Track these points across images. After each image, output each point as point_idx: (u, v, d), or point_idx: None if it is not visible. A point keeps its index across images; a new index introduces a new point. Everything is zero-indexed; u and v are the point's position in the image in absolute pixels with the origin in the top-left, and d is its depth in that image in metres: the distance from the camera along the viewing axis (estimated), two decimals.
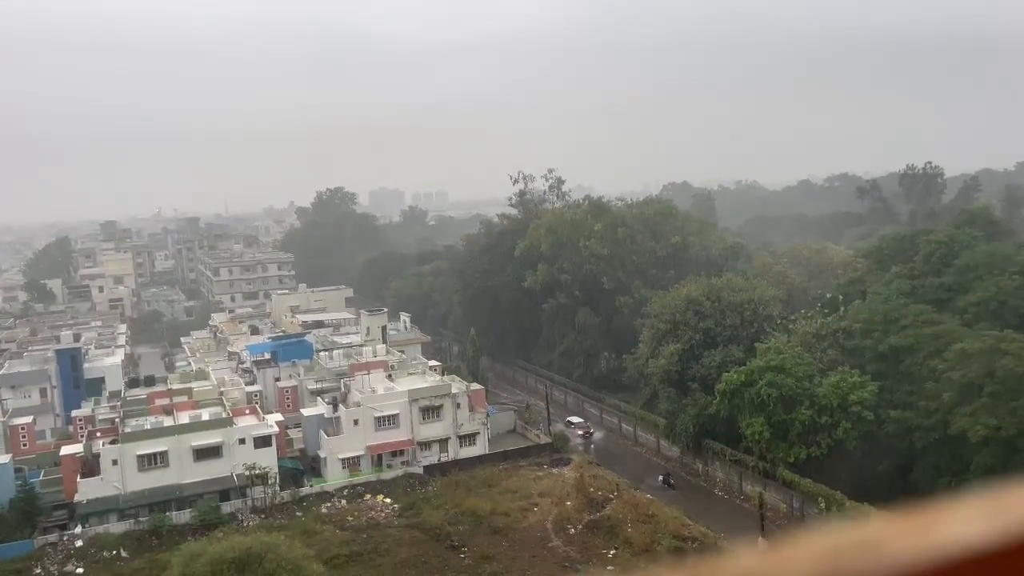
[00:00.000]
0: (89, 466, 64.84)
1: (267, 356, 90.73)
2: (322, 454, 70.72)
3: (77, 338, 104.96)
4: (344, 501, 65.48)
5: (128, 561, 56.96)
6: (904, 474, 58.40)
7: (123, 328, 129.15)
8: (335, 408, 73.10)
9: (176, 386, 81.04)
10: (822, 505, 56.85)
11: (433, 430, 73.11)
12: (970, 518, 1.36)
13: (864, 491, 56.22)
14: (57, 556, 57.52)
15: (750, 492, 62.55)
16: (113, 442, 65.35)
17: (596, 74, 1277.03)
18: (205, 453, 65.27)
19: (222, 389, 79.85)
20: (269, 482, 65.05)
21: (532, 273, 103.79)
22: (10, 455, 69.15)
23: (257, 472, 64.37)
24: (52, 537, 59.56)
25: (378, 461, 71.05)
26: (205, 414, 70.73)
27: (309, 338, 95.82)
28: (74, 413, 79.56)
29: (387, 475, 69.55)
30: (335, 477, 69.09)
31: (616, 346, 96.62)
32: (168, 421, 68.91)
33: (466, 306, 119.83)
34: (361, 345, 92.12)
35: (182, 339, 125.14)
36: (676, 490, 67.18)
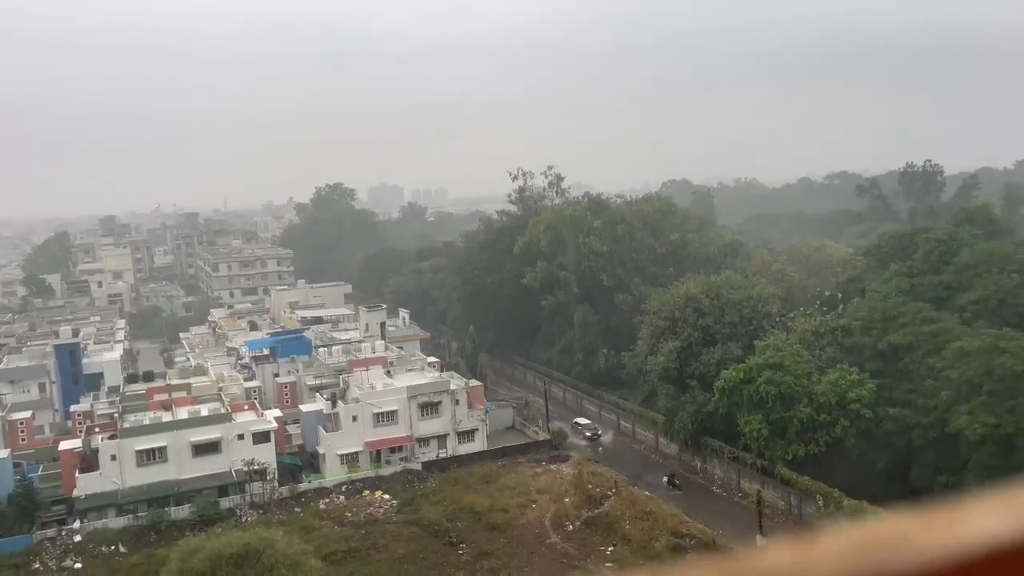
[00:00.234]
0: (88, 461, 64.85)
1: (266, 352, 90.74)
2: (321, 450, 70.76)
3: (76, 333, 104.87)
4: (342, 497, 65.54)
5: (126, 556, 56.98)
6: (902, 472, 58.46)
7: (122, 323, 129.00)
8: (334, 404, 73.09)
9: (175, 381, 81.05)
10: (820, 503, 56.93)
11: (432, 426, 73.14)
12: (994, 514, 1.35)
13: (862, 489, 56.28)
14: (55, 551, 57.56)
15: (748, 489, 62.63)
16: (112, 437, 65.38)
17: (597, 72, 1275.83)
18: (204, 449, 65.28)
19: (221, 385, 79.82)
20: (268, 478, 65.11)
21: (531, 270, 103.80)
22: (9, 450, 69.20)
23: (256, 468, 64.44)
24: (50, 532, 59.58)
25: (376, 457, 71.09)
26: (204, 410, 70.74)
27: (308, 334, 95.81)
28: (73, 408, 79.52)
29: (385, 471, 69.60)
30: (334, 473, 69.13)
31: (615, 343, 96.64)
32: (167, 416, 68.88)
33: (465, 303, 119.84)
34: (360, 341, 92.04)
35: (181, 335, 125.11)
36: (682, 491, 66.34)
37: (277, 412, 73.09)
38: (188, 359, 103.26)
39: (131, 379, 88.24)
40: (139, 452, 63.76)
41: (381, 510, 62.89)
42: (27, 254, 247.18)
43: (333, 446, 70.12)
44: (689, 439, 71.04)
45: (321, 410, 73.88)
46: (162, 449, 64.46)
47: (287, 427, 73.97)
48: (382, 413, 71.55)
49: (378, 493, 65.78)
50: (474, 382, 78.90)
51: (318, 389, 79.51)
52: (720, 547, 52.11)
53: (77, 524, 60.51)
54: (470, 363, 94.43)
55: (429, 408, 73.16)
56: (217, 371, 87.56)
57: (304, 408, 76.15)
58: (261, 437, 66.89)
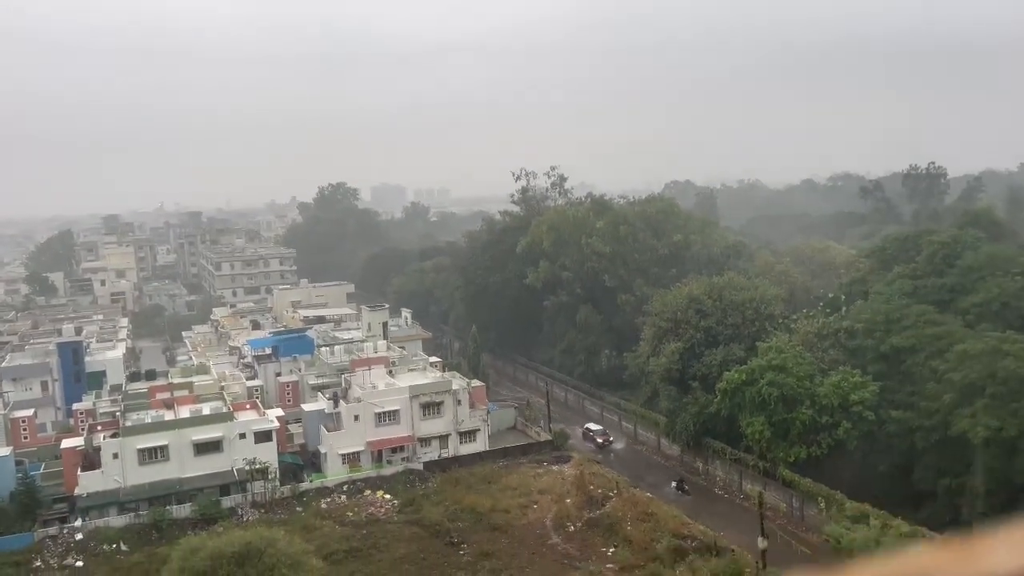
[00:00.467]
0: (90, 459, 64.92)
1: (268, 351, 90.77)
2: (322, 449, 70.76)
3: (79, 331, 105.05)
4: (344, 497, 65.54)
5: (128, 555, 57.01)
6: (905, 475, 58.29)
7: (124, 322, 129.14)
8: (336, 403, 73.11)
9: (177, 380, 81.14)
10: (822, 505, 56.82)
11: (433, 426, 73.12)
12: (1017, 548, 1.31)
13: (864, 491, 56.14)
14: (57, 549, 57.59)
15: (750, 491, 62.51)
16: (114, 435, 65.44)
17: (600, 73, 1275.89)
18: (205, 447, 65.32)
19: (223, 384, 79.86)
20: (269, 477, 65.14)
21: (534, 270, 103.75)
22: (11, 448, 69.27)
23: (257, 467, 64.47)
24: (52, 530, 59.64)
25: (378, 457, 71.08)
26: (206, 408, 70.79)
27: (310, 333, 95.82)
28: (75, 406, 79.66)
29: (387, 471, 69.58)
30: (335, 473, 69.11)
31: (617, 344, 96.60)
32: (169, 415, 68.95)
33: (467, 303, 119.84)
34: (362, 341, 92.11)
35: (183, 333, 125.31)
36: (692, 497, 65.55)
37: (279, 411, 73.13)
38: (190, 358, 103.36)
39: (133, 377, 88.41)
40: (141, 451, 63.81)
41: (382, 510, 62.88)
42: (30, 252, 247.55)
43: (335, 445, 70.12)
44: (691, 440, 70.99)
45: (323, 409, 73.91)
46: (164, 448, 64.50)
47: (289, 426, 73.99)
48: (384, 413, 71.55)
49: (379, 493, 65.77)
50: (476, 382, 78.87)
51: (320, 388, 79.57)
52: (721, 548, 52.01)
53: (79, 522, 60.57)
54: (472, 363, 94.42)
55: (431, 408, 73.16)
56: (219, 370, 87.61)
57: (306, 407, 76.16)
58: (263, 436, 66.90)
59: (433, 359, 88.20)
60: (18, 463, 66.68)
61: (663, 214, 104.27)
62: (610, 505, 60.62)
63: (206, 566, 42.31)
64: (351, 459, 70.27)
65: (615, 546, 54.69)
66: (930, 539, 45.96)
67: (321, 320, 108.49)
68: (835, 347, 67.05)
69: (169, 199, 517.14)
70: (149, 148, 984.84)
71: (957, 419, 52.96)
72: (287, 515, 62.02)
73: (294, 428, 74.93)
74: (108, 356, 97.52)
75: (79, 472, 63.29)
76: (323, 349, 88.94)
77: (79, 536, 59.02)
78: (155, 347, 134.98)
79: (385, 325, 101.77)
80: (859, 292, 77.70)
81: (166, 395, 74.44)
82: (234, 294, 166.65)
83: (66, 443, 66.79)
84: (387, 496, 65.23)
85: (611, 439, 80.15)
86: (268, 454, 66.26)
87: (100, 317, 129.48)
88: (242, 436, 66.31)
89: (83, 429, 72.09)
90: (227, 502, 63.60)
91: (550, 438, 76.16)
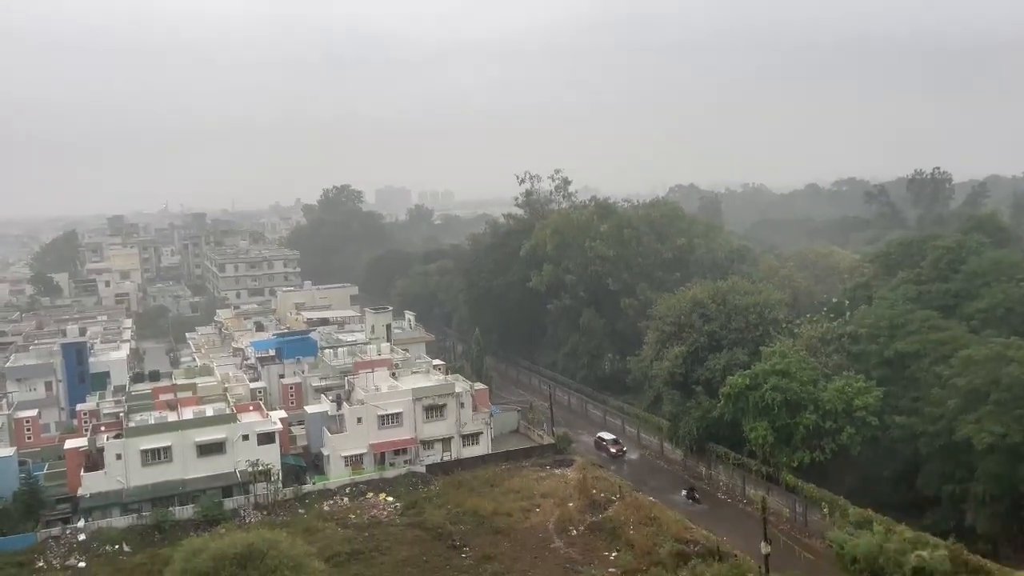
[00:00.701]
0: (93, 460, 65.00)
1: (272, 353, 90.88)
2: (325, 451, 70.78)
3: (83, 332, 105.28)
4: (346, 499, 65.53)
5: (130, 556, 57.02)
6: (909, 480, 58.15)
7: (129, 323, 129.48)
8: (339, 406, 73.18)
9: (181, 381, 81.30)
10: (825, 510, 56.67)
11: (436, 429, 73.11)
12: None
13: (868, 497, 55.98)
14: (60, 550, 57.63)
15: (753, 496, 62.39)
16: (117, 436, 65.55)
17: (605, 77, 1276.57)
18: (208, 449, 65.37)
19: (226, 385, 79.99)
20: (272, 479, 65.20)
21: (537, 273, 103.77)
22: (14, 448, 69.39)
23: (260, 468, 64.55)
24: (55, 531, 59.68)
25: (381, 459, 71.06)
26: (209, 410, 70.89)
27: (314, 335, 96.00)
28: (79, 407, 79.86)
29: (389, 473, 69.57)
30: (338, 475, 69.12)
31: (620, 348, 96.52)
32: (172, 416, 69.05)
33: (471, 305, 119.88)
34: (366, 343, 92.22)
35: (187, 334, 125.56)
36: (704, 506, 64.52)
37: (282, 413, 73.24)
38: (194, 359, 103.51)
39: (137, 378, 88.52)
40: (144, 451, 63.89)
41: (385, 512, 62.86)
42: (35, 253, 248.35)
43: (337, 448, 70.13)
44: (694, 445, 70.88)
45: (326, 411, 73.97)
46: (167, 449, 64.56)
47: (292, 428, 74.09)
48: (387, 415, 71.56)
49: (382, 495, 65.76)
50: (479, 385, 78.89)
51: (323, 390, 79.68)
52: (724, 553, 51.88)
53: (81, 523, 60.64)
54: (475, 366, 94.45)
55: (434, 411, 73.16)
56: (223, 371, 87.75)
57: (309, 409, 76.22)
58: (266, 438, 66.95)
59: (436, 362, 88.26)
60: (21, 463, 66.81)
61: (667, 218, 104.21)
62: (613, 509, 60.51)
63: (208, 567, 42.30)
64: (354, 461, 70.28)
65: (617, 550, 54.59)
66: (934, 545, 45.73)
67: (325, 322, 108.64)
68: (839, 352, 66.92)
69: (174, 200, 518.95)
70: (153, 149, 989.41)
71: (961, 425, 52.81)
72: (289, 517, 62.01)
73: (297, 430, 75.00)
74: (112, 357, 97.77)
75: (82, 473, 63.40)
76: (326, 351, 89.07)
77: (82, 537, 59.06)
78: (159, 348, 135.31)
79: (389, 327, 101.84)
80: (863, 297, 77.55)
81: (170, 396, 74.60)
82: (238, 296, 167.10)
83: (70, 444, 66.92)
84: (389, 499, 65.22)
85: (624, 449, 78.54)
86: (271, 456, 66.31)
87: (104, 318, 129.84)
88: (245, 438, 66.37)
89: (87, 430, 72.26)
90: (230, 504, 63.63)
91: (553, 442, 76.11)
